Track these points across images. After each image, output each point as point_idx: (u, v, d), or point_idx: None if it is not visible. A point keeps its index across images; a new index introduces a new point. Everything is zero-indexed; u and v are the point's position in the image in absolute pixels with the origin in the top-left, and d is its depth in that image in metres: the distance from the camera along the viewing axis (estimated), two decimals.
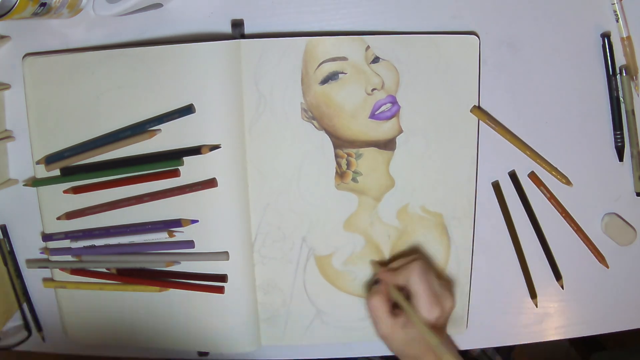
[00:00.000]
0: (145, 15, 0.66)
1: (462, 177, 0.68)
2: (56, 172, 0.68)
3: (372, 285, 0.69)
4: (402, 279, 0.63)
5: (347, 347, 0.75)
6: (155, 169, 0.66)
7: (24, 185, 0.70)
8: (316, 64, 0.64)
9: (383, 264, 0.70)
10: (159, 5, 0.65)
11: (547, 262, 0.73)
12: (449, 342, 0.66)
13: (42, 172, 0.68)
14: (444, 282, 0.65)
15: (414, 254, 0.67)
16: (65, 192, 0.68)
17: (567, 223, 0.72)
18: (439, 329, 0.62)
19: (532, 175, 0.70)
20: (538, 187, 0.70)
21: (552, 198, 0.70)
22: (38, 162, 0.68)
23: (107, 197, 0.68)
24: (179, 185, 0.67)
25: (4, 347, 0.73)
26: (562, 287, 0.73)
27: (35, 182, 0.68)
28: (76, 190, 0.68)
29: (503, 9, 0.66)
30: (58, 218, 0.69)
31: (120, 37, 0.67)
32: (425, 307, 0.61)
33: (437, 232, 0.69)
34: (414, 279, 0.62)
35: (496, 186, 0.70)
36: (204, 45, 0.63)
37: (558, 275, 0.73)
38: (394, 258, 0.70)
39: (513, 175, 0.70)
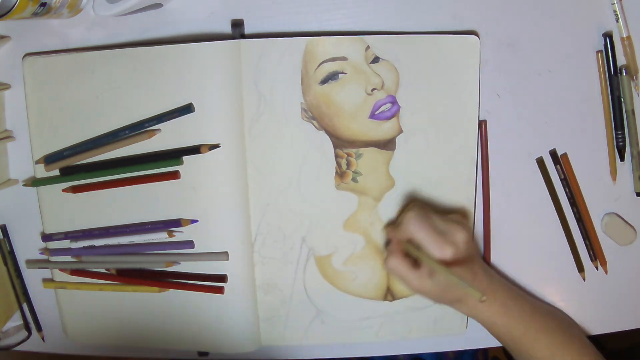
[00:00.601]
0: (145, 15, 0.66)
1: (462, 177, 0.68)
2: (56, 172, 0.68)
3: (386, 247, 0.68)
4: (405, 232, 0.62)
5: (347, 347, 0.75)
6: (155, 169, 0.66)
7: (23, 185, 0.70)
8: (316, 64, 0.64)
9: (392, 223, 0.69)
10: (159, 5, 0.65)
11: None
12: (480, 272, 0.64)
13: (41, 172, 0.68)
14: (448, 217, 0.63)
15: (406, 206, 0.66)
16: (64, 190, 0.68)
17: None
18: (466, 261, 0.61)
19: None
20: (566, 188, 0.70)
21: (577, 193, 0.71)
22: (37, 162, 0.68)
23: (106, 196, 0.68)
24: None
25: (4, 347, 0.73)
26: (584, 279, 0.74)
27: (34, 182, 0.68)
28: (75, 189, 0.68)
29: (503, 9, 0.66)
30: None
31: (120, 37, 0.67)
32: (435, 250, 0.59)
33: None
34: (413, 227, 0.60)
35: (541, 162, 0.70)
36: (204, 45, 0.63)
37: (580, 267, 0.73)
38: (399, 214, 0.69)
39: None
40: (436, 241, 0.59)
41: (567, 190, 0.70)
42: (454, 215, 0.65)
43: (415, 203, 0.65)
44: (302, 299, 0.71)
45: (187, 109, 0.64)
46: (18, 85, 0.67)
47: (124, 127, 0.66)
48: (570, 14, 0.67)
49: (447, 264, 0.59)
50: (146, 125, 0.65)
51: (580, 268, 0.73)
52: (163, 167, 0.66)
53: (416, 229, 0.60)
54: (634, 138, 0.69)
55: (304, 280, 0.70)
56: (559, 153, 0.70)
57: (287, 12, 0.66)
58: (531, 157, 0.70)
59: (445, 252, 0.59)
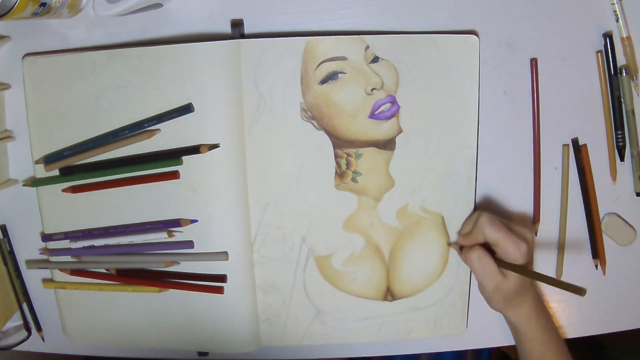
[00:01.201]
0: (145, 15, 0.66)
1: (462, 177, 0.68)
2: (55, 172, 0.68)
3: (460, 251, 0.68)
4: (479, 236, 0.63)
5: (347, 347, 0.75)
6: (155, 169, 0.66)
7: (23, 185, 0.70)
8: (316, 63, 0.64)
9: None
10: (159, 5, 0.65)
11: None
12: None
13: (41, 172, 0.68)
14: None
15: (474, 215, 0.67)
16: (64, 190, 0.68)
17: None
18: (529, 265, 0.64)
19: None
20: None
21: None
22: (37, 162, 0.68)
23: (106, 196, 0.68)
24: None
25: (4, 347, 0.73)
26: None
27: (34, 182, 0.68)
28: (75, 189, 0.68)
29: (503, 9, 0.66)
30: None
31: (120, 37, 0.67)
32: (512, 247, 0.61)
33: (437, 232, 0.69)
34: (488, 229, 0.62)
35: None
36: (204, 45, 0.63)
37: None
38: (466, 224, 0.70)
39: None
40: (512, 239, 0.61)
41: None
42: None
43: (481, 211, 0.66)
44: (301, 299, 0.71)
45: (187, 109, 0.64)
46: (18, 85, 0.67)
47: (123, 127, 0.66)
48: (570, 14, 0.67)
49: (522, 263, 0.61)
50: (146, 125, 0.65)
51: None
52: (163, 167, 0.66)
53: (493, 230, 0.62)
54: (634, 138, 0.69)
55: (303, 280, 0.70)
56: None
57: (286, 12, 0.66)
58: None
59: (521, 248, 0.61)
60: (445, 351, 0.77)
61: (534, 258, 0.70)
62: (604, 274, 0.73)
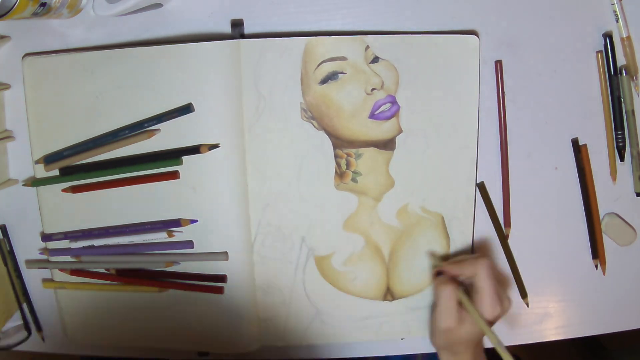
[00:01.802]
0: (145, 15, 0.66)
1: (462, 177, 0.68)
2: (55, 172, 0.68)
3: (436, 276, 0.68)
4: (469, 272, 0.63)
5: (347, 347, 0.75)
6: (155, 169, 0.66)
7: (23, 185, 0.70)
8: (316, 63, 0.64)
9: (444, 258, 0.70)
10: (159, 5, 0.65)
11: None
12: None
13: (41, 172, 0.68)
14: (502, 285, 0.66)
15: (476, 254, 0.67)
16: (64, 190, 0.68)
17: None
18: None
19: None
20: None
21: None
22: (37, 162, 0.68)
23: (106, 196, 0.68)
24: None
25: (4, 347, 0.73)
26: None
27: (34, 182, 0.68)
28: (75, 189, 0.68)
29: (503, 9, 0.66)
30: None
31: (120, 37, 0.67)
32: (489, 305, 0.61)
33: (437, 232, 0.69)
34: (483, 274, 0.62)
35: (482, 187, 0.70)
36: (204, 45, 0.63)
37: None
38: (455, 255, 0.70)
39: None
40: (494, 298, 0.62)
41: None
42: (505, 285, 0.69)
43: (487, 255, 0.67)
44: (301, 299, 0.71)
45: (187, 109, 0.64)
46: (18, 85, 0.67)
47: (123, 127, 0.66)
48: (570, 14, 0.67)
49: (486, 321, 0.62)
50: (146, 125, 0.65)
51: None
52: (163, 167, 0.66)
53: (485, 277, 0.62)
54: (633, 138, 0.69)
55: (303, 280, 0.70)
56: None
57: (286, 12, 0.66)
58: (531, 157, 0.70)
59: (495, 310, 0.62)
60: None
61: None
62: (604, 274, 0.73)
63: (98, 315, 0.73)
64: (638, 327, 0.76)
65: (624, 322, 0.76)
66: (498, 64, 0.67)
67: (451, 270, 0.65)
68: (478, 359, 0.66)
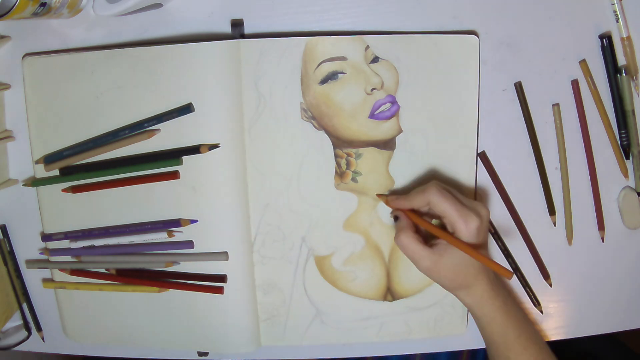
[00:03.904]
0: (145, 15, 0.66)
1: (461, 176, 0.68)
2: (55, 172, 0.68)
3: (395, 224, 0.65)
4: (419, 202, 0.60)
5: (347, 347, 0.75)
6: (155, 169, 0.66)
7: (23, 185, 0.70)
8: (315, 63, 0.64)
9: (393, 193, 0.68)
10: (159, 5, 0.65)
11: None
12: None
13: (41, 171, 0.68)
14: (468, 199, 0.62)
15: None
16: (63, 190, 0.68)
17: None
18: (480, 245, 0.59)
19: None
20: None
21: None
22: (37, 162, 0.68)
23: (106, 196, 0.68)
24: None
25: (4, 347, 0.73)
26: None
27: (34, 182, 0.68)
28: (75, 189, 0.68)
29: (503, 9, 0.66)
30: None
31: (120, 37, 0.67)
32: (460, 221, 0.57)
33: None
34: (435, 197, 0.58)
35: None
36: (204, 45, 0.63)
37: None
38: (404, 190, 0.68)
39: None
40: (461, 212, 0.58)
41: None
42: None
43: (435, 181, 0.63)
44: (302, 299, 0.71)
45: (187, 109, 0.64)
46: (18, 85, 0.67)
47: (123, 127, 0.66)
48: (570, 15, 0.67)
49: (469, 241, 0.58)
50: (146, 125, 0.65)
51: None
52: (163, 167, 0.66)
53: (439, 199, 0.58)
54: (634, 138, 0.69)
55: (303, 280, 0.70)
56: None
57: (286, 12, 0.66)
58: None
59: (470, 223, 0.57)
60: (440, 352, 0.76)
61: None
62: (603, 241, 0.73)
63: (98, 315, 0.73)
64: (638, 327, 0.76)
65: (623, 322, 0.76)
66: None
67: (400, 204, 0.63)
68: (494, 284, 0.63)
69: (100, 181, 0.68)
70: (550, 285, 0.73)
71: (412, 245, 0.60)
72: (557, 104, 0.68)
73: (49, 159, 0.68)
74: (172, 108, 0.65)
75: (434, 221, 0.65)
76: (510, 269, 0.53)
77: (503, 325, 0.63)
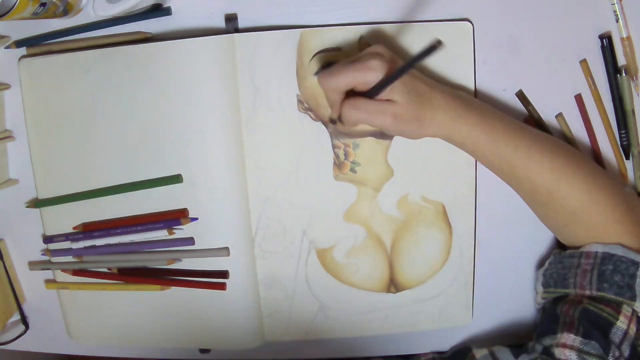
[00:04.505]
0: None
1: (461, 164, 0.68)
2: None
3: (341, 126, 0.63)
4: (334, 97, 0.58)
5: (352, 341, 0.74)
6: (156, 186, 0.68)
7: (27, 207, 0.71)
8: (310, 55, 0.65)
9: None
10: (159, 5, 0.66)
11: None
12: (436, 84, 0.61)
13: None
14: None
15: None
16: (74, 228, 0.70)
17: None
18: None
19: None
20: None
21: None
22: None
23: (106, 196, 0.69)
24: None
25: (2, 343, 0.73)
26: None
27: (37, 204, 0.69)
28: (86, 226, 0.69)
29: (503, 8, 0.66)
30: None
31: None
32: (364, 73, 0.54)
33: (438, 221, 0.69)
34: (328, 82, 0.56)
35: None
36: (198, 40, 0.64)
37: None
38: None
39: None
40: (357, 67, 0.54)
41: None
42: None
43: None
44: (304, 293, 0.71)
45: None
46: (18, 85, 0.67)
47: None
48: (570, 14, 0.67)
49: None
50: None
51: None
52: (164, 184, 0.67)
53: (333, 80, 0.56)
54: (634, 138, 0.68)
55: (306, 273, 0.70)
56: None
57: (280, 4, 0.66)
58: None
59: (374, 65, 0.54)
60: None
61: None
62: None
63: (101, 314, 0.73)
64: None
65: None
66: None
67: (334, 114, 0.59)
68: (457, 98, 0.60)
69: (108, 220, 0.70)
70: None
71: (360, 104, 0.57)
72: (561, 113, 0.68)
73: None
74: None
75: None
76: (438, 39, 0.47)
77: (492, 145, 0.60)
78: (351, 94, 0.58)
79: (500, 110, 0.64)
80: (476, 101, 0.63)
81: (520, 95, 0.68)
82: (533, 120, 0.68)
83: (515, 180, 0.62)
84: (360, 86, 0.57)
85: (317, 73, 0.63)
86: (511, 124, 0.62)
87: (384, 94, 0.56)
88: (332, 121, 0.62)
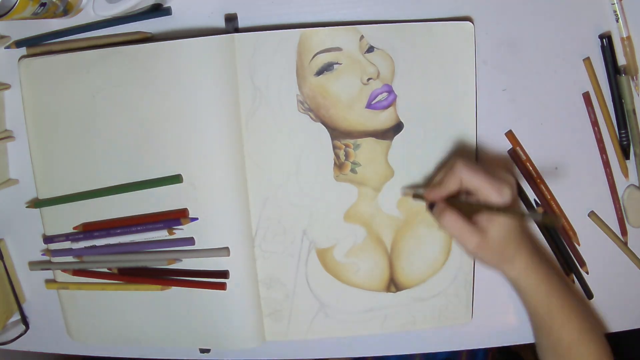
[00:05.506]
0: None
1: None
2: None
3: (431, 210, 0.63)
4: (453, 184, 0.59)
5: (353, 341, 0.74)
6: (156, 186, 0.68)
7: (27, 207, 0.71)
8: (311, 55, 0.65)
9: (419, 186, 0.68)
10: (159, 5, 0.66)
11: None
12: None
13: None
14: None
15: (449, 162, 0.63)
16: (75, 228, 0.70)
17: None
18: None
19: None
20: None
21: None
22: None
23: (106, 196, 0.69)
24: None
25: (2, 343, 0.73)
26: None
27: (37, 204, 0.69)
28: (86, 226, 0.69)
29: (504, 8, 0.66)
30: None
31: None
32: (495, 191, 0.57)
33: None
34: (466, 174, 0.58)
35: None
36: (198, 40, 0.64)
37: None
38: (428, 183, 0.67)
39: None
40: (494, 183, 0.57)
41: None
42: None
43: (457, 157, 0.62)
44: (305, 292, 0.71)
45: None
46: (18, 85, 0.67)
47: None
48: (570, 14, 0.67)
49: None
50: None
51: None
52: (164, 184, 0.67)
53: (470, 174, 0.58)
54: (636, 137, 0.69)
55: (306, 273, 0.70)
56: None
57: (280, 4, 0.66)
58: (531, 157, 0.70)
59: (504, 192, 0.57)
60: (439, 351, 0.76)
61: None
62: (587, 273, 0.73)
63: (101, 314, 0.73)
64: (637, 328, 0.75)
65: (623, 322, 0.75)
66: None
67: (436, 194, 0.61)
68: (535, 255, 0.63)
69: (108, 220, 0.70)
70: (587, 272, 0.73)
71: (459, 223, 0.59)
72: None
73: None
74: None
75: None
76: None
77: (548, 295, 0.63)
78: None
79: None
80: (545, 259, 0.67)
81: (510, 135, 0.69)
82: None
83: (547, 330, 0.66)
84: (477, 194, 0.59)
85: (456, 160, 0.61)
86: (561, 278, 0.67)
87: (486, 217, 0.59)
88: (430, 205, 0.63)
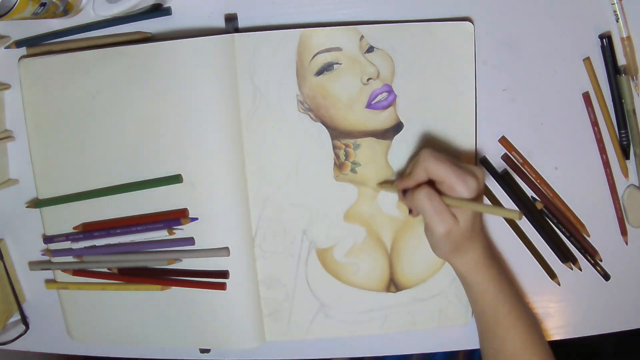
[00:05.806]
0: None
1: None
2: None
3: (406, 195, 0.61)
4: (420, 174, 0.59)
5: (352, 340, 0.74)
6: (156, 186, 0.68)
7: (27, 207, 0.71)
8: (310, 55, 0.65)
9: (388, 181, 0.68)
10: (159, 5, 0.66)
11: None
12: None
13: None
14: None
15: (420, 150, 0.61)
16: (75, 228, 0.70)
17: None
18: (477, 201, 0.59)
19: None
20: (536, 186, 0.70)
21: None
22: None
23: (106, 196, 0.69)
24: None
25: (2, 343, 0.73)
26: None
27: (37, 204, 0.69)
28: (86, 226, 0.69)
29: (504, 8, 0.66)
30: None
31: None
32: (459, 183, 0.56)
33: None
34: (431, 163, 0.57)
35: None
36: (197, 40, 0.64)
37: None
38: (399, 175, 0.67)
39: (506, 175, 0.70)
40: (459, 174, 0.56)
41: None
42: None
43: (424, 147, 0.62)
44: (305, 292, 0.71)
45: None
46: (18, 85, 0.67)
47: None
48: (570, 14, 0.67)
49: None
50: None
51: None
52: (164, 184, 0.67)
53: (435, 165, 0.57)
54: (636, 137, 0.69)
55: (306, 273, 0.70)
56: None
57: (280, 4, 0.66)
58: (531, 157, 0.70)
59: (469, 184, 0.56)
60: (437, 352, 0.76)
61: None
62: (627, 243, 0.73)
63: (101, 314, 0.73)
64: (638, 327, 0.75)
65: (624, 322, 0.75)
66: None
67: (406, 183, 0.61)
68: (488, 251, 0.63)
69: (108, 220, 0.70)
70: (559, 284, 0.73)
71: (435, 200, 0.57)
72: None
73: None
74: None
75: None
76: (519, 212, 0.52)
77: (495, 298, 0.64)
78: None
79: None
80: (498, 260, 0.67)
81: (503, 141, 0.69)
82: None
83: (492, 335, 0.66)
84: (442, 186, 0.58)
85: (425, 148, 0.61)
86: (512, 284, 0.67)
87: (454, 208, 0.58)
88: (403, 191, 0.62)
